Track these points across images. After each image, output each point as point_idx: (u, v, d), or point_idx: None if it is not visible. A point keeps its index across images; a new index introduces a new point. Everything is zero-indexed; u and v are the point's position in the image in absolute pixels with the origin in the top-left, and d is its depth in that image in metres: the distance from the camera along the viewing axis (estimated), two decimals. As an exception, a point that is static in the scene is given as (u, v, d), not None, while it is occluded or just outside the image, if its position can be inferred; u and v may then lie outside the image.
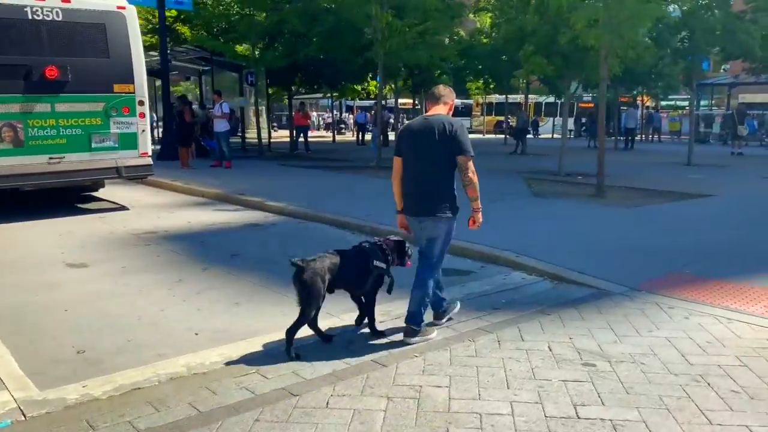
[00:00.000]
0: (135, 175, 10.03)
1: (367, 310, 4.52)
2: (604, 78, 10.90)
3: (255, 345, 4.29)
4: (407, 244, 4.66)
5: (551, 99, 40.98)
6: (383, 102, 20.89)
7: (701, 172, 15.99)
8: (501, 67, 22.37)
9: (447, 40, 21.78)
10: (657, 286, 5.54)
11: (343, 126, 44.06)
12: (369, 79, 26.16)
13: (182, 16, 22.83)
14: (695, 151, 18.63)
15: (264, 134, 21.64)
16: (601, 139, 11.14)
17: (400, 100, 50.77)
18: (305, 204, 9.75)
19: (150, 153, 10.10)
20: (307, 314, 4.12)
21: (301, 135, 22.48)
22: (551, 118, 43.11)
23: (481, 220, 4.47)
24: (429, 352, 4.13)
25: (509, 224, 8.14)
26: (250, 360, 4.02)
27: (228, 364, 3.98)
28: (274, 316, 4.87)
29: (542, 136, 41.32)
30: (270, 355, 4.09)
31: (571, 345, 4.24)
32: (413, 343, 4.30)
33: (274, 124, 52.30)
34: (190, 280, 5.96)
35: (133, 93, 9.63)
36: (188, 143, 15.14)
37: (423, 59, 15.69)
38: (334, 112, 50.58)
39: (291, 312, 4.33)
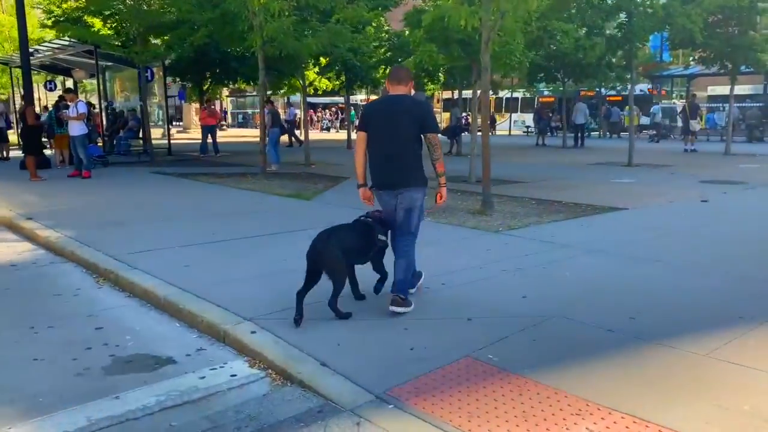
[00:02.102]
0: None
1: (352, 282, 4.76)
2: (486, 67, 8.77)
3: None
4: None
5: (515, 94, 39.42)
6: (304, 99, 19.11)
7: (635, 175, 13.98)
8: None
9: (370, 30, 19.75)
10: (420, 389, 3.42)
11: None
12: (315, 71, 23.99)
13: (92, 8, 20.47)
14: (644, 149, 16.69)
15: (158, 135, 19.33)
16: (484, 140, 9.01)
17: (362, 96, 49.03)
18: (88, 234, 7.53)
19: None
20: (342, 282, 4.43)
21: (209, 135, 20.17)
22: (513, 114, 41.24)
23: (446, 195, 4.83)
24: None
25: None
26: None
27: None
28: None
29: (498, 133, 39.30)
30: None
31: None
32: (401, 313, 4.52)
33: (223, 123, 50.44)
34: None
35: None
36: (34, 150, 12.80)
37: (312, 48, 13.52)
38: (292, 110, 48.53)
39: None
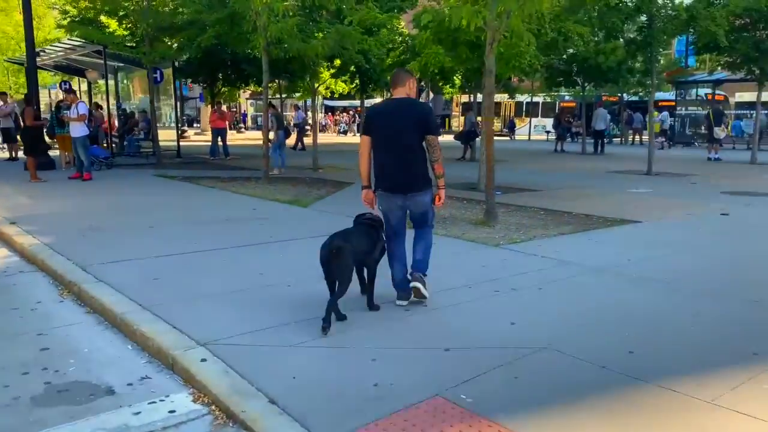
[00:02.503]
0: None
1: (370, 284, 4.69)
2: (490, 69, 8.28)
3: None
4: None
5: (538, 98, 38.69)
6: (309, 101, 18.80)
7: (653, 185, 13.36)
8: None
9: (384, 32, 19.31)
10: (374, 442, 2.98)
11: (308, 128, 41.48)
12: (328, 74, 23.62)
13: (107, 8, 20.31)
14: (666, 157, 16.04)
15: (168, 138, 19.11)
16: (488, 149, 8.52)
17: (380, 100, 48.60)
18: (66, 241, 7.19)
19: None
20: (346, 287, 4.33)
21: (219, 138, 19.88)
22: (534, 119, 40.54)
23: (444, 197, 4.87)
24: None
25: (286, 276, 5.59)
26: None
27: None
28: None
29: (518, 137, 38.63)
30: None
31: None
32: (424, 293, 4.76)
33: (241, 126, 50.44)
34: None
35: None
36: (34, 151, 12.56)
37: (318, 50, 13.13)
38: (307, 113, 48.36)
39: None
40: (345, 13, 18.04)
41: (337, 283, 4.33)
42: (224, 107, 22.41)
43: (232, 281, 5.48)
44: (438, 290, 5.24)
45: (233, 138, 35.14)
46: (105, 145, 20.50)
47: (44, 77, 30.15)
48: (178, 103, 53.89)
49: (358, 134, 44.55)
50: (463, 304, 4.95)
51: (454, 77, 20.31)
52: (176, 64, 18.68)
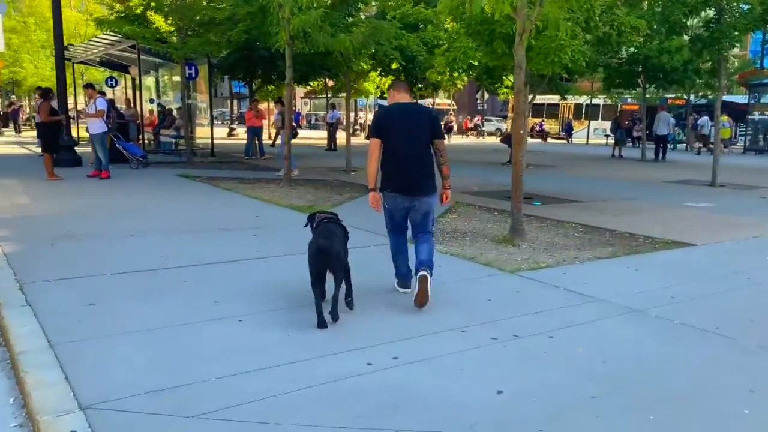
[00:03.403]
0: None
1: (347, 283, 4.65)
2: (519, 64, 7.15)
3: None
4: None
5: (598, 100, 36.69)
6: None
7: (715, 198, 11.84)
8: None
9: (430, 29, 18.26)
10: None
11: (358, 128, 40.76)
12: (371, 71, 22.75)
13: (153, 4, 20.00)
14: (735, 166, 14.43)
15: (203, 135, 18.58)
16: (516, 156, 7.39)
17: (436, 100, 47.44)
18: (30, 250, 6.48)
19: None
20: (342, 277, 4.49)
21: (255, 137, 19.25)
22: (594, 122, 38.53)
23: (450, 196, 5.14)
24: None
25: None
26: None
27: None
28: None
29: (575, 141, 36.82)
30: None
31: None
32: (428, 289, 4.68)
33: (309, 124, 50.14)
34: None
35: None
36: (50, 148, 12.09)
37: (346, 44, 12.20)
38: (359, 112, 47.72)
39: None
40: (385, 8, 17.12)
41: (336, 278, 4.41)
42: (261, 105, 21.68)
43: (176, 310, 4.58)
44: (420, 333, 4.20)
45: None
46: (140, 141, 20.25)
47: (92, 73, 30.46)
48: (229, 101, 54.36)
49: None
50: (445, 357, 3.88)
51: (503, 76, 19.07)
52: (211, 60, 18.08)
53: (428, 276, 4.67)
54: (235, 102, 53.36)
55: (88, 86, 12.78)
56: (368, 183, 4.95)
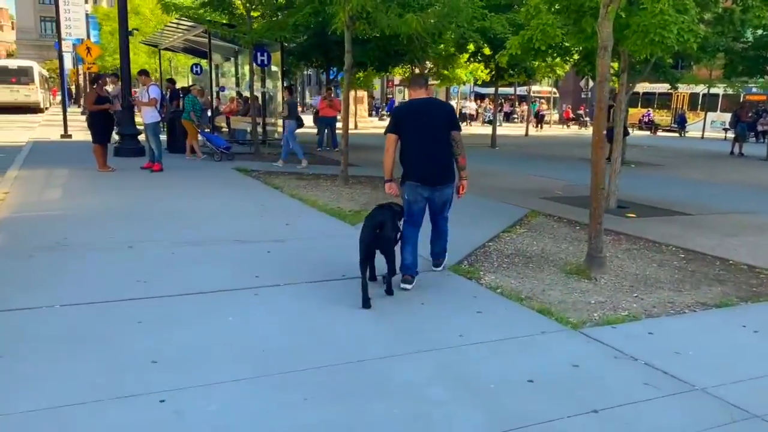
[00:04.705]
0: None
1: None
2: (603, 46, 5.48)
3: None
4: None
5: (717, 89, 32.95)
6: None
7: None
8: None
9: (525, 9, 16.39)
10: None
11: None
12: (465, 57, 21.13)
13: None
14: None
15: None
16: (597, 165, 5.70)
17: (536, 88, 44.80)
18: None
19: None
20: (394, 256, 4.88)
21: (327, 129, 18.18)
22: (711, 113, 34.74)
23: (467, 187, 5.32)
24: None
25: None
26: None
27: None
28: None
29: (689, 134, 33.38)
30: None
31: None
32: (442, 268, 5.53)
33: (384, 113, 48.96)
34: None
35: None
36: (98, 138, 11.42)
37: (413, 25, 10.71)
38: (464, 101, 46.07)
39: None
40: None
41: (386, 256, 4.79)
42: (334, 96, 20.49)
43: (84, 378, 3.39)
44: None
45: (367, 126, 33.76)
46: (225, 129, 19.66)
47: (179, 59, 30.55)
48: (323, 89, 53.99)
49: (507, 124, 41.54)
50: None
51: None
52: (284, 45, 17.11)
53: (441, 266, 5.62)
54: (307, 91, 52.70)
55: (142, 73, 12.09)
56: (385, 175, 5.24)
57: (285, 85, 14.60)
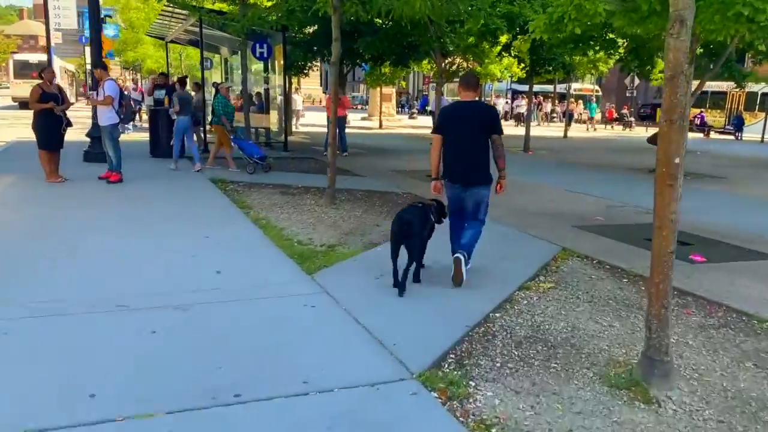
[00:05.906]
0: None
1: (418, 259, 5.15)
2: (680, 16, 3.26)
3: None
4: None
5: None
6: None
7: None
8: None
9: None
10: None
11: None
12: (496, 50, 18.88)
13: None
14: None
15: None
16: (662, 219, 3.50)
17: (577, 85, 42.01)
18: None
19: None
20: (421, 256, 5.16)
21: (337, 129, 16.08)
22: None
23: (506, 186, 5.36)
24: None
25: None
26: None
27: None
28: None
29: (746, 137, 30.34)
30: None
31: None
32: (464, 271, 5.11)
33: (414, 111, 46.59)
34: None
35: None
36: (45, 143, 9.55)
37: (417, 8, 8.54)
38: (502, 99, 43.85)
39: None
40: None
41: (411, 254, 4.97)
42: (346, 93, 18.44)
43: None
44: None
45: (393, 126, 31.62)
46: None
47: (190, 53, 28.86)
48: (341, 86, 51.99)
49: (547, 124, 38.87)
50: None
51: (655, 56, 14.38)
52: (285, 36, 15.09)
53: (462, 259, 5.10)
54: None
55: (98, 66, 10.18)
56: (432, 173, 5.46)
57: (178, 77, 12.55)
